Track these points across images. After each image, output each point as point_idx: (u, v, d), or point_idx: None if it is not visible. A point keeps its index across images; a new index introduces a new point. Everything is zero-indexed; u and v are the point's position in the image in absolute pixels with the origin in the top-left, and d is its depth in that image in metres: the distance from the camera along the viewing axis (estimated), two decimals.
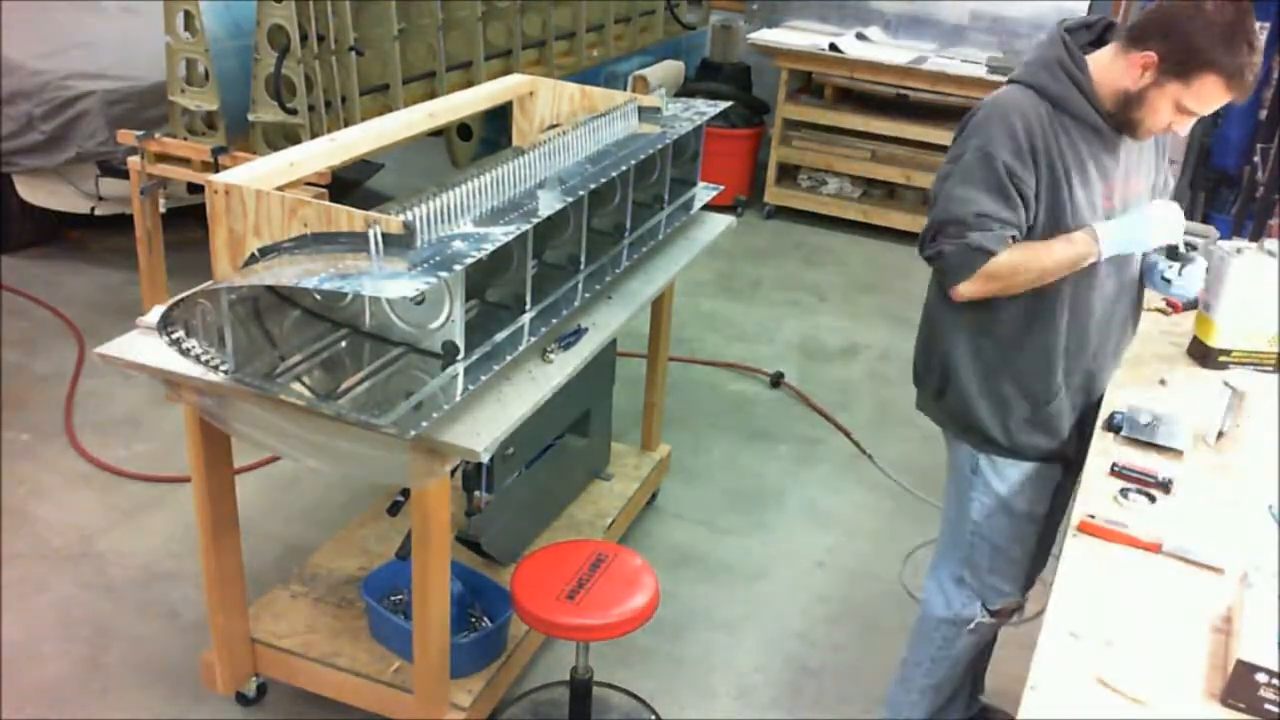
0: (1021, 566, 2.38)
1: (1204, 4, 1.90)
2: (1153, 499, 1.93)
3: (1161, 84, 1.95)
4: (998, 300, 2.10)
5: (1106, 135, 2.07)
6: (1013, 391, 2.19)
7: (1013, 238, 2.03)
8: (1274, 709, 1.46)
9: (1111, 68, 2.03)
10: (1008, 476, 2.27)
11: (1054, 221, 2.05)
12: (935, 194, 2.12)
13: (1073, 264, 2.06)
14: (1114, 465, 2.01)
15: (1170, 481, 1.95)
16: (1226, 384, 2.23)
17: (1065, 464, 2.30)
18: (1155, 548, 1.80)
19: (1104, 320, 2.20)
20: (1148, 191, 2.21)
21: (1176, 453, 2.07)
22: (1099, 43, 2.11)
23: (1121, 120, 2.04)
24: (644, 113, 2.93)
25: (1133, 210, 2.11)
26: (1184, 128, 2.02)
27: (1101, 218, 2.08)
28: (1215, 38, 1.88)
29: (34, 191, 4.66)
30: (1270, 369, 2.40)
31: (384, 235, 1.98)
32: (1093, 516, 1.87)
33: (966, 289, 2.06)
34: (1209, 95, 1.94)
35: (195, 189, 4.14)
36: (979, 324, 2.18)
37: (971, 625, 2.42)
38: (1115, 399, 2.27)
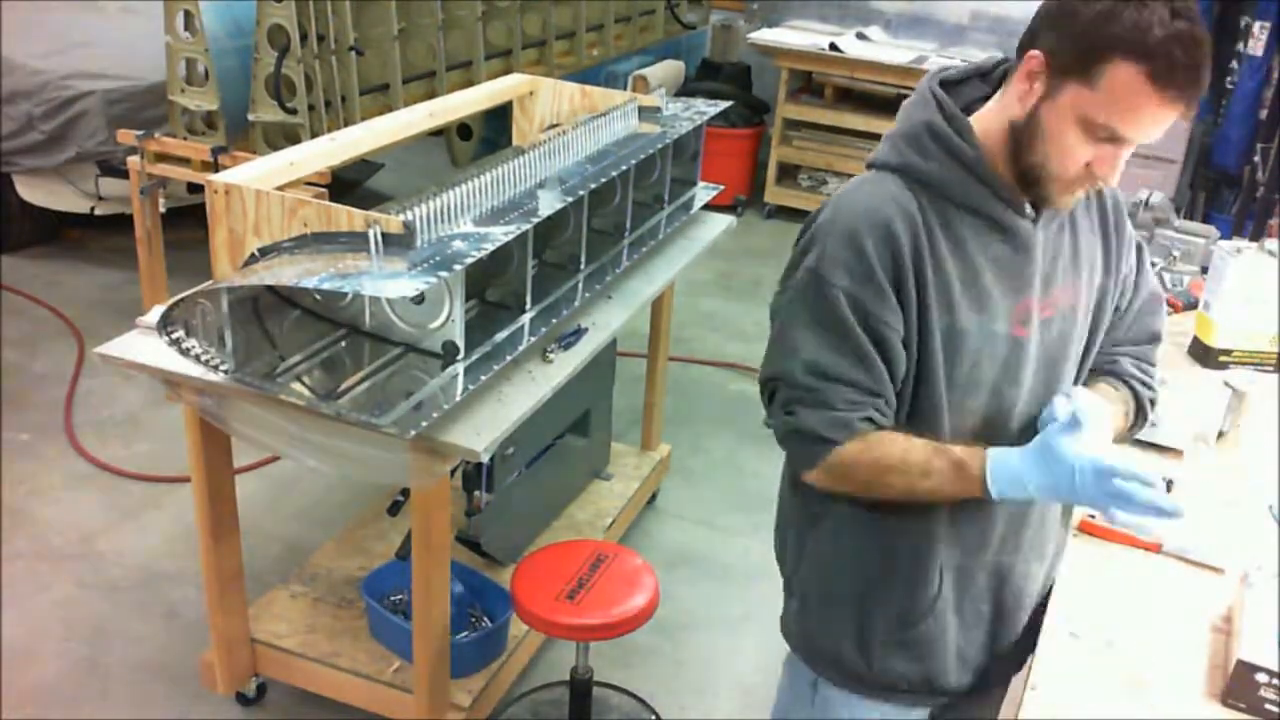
0: None
1: None
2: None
3: (1055, 93, 1.32)
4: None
5: (1011, 227, 1.44)
6: (877, 608, 1.57)
7: (873, 416, 1.42)
8: (1275, 709, 1.46)
9: (999, 109, 1.41)
10: (851, 711, 1.64)
11: (927, 370, 1.43)
12: (771, 321, 1.53)
13: (955, 491, 1.43)
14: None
15: (1170, 482, 1.94)
16: (1227, 384, 2.21)
17: (951, 695, 1.65)
18: (1155, 548, 1.80)
19: (1018, 509, 1.57)
20: (1086, 307, 1.55)
21: (1176, 453, 2.07)
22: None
23: (1023, 175, 1.40)
24: (644, 112, 2.93)
25: (1037, 442, 1.40)
26: (1110, 170, 1.35)
27: (1005, 349, 1.46)
28: (1114, 6, 1.27)
29: (34, 191, 4.66)
30: (1271, 369, 2.39)
31: (384, 235, 1.98)
32: (1093, 516, 1.86)
33: (814, 480, 1.48)
34: (1126, 96, 1.28)
35: (195, 189, 4.13)
36: (847, 519, 1.55)
37: None
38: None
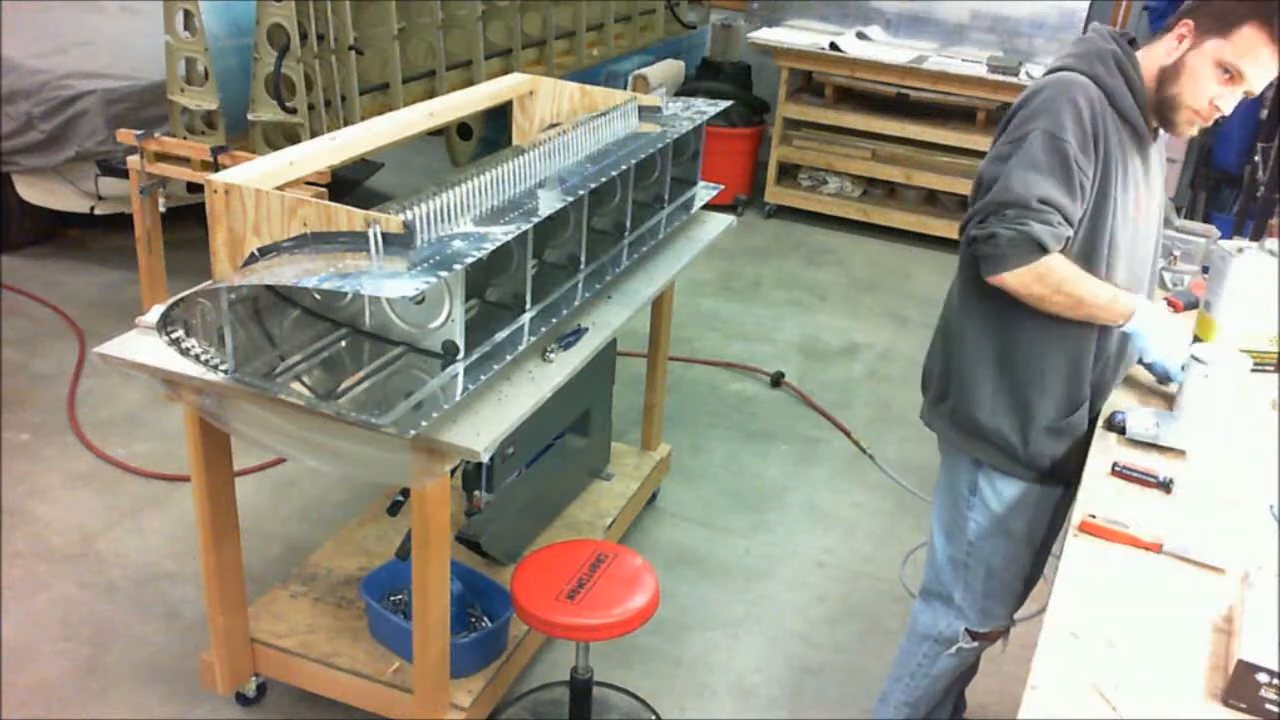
0: (1014, 591, 2.29)
1: None
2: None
3: (1200, 44, 1.88)
4: (1025, 306, 1.99)
5: (1145, 141, 2.01)
6: (1038, 399, 2.07)
7: (1069, 236, 1.93)
8: (1275, 709, 1.46)
9: (1151, 55, 1.97)
10: (1006, 497, 2.16)
11: (1095, 222, 1.96)
12: (988, 177, 1.96)
13: (1107, 317, 1.99)
14: (1115, 465, 2.00)
15: (1171, 481, 1.95)
16: (1195, 357, 2.14)
17: (1066, 482, 2.18)
18: (1156, 547, 1.79)
19: (1121, 335, 2.11)
20: (1159, 208, 2.15)
21: (1178, 452, 2.07)
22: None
23: (1161, 103, 1.96)
24: (644, 112, 2.93)
25: (1172, 318, 2.08)
26: (1230, 102, 1.91)
27: (1129, 227, 2.01)
28: None
29: (33, 191, 4.66)
30: (1271, 369, 2.39)
31: (384, 235, 1.98)
32: (1094, 516, 1.86)
33: (1012, 279, 1.92)
34: (1253, 51, 1.84)
35: (195, 188, 4.14)
36: (1007, 329, 2.06)
37: (953, 649, 2.34)
38: (1115, 398, 2.26)
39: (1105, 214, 1.96)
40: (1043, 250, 1.88)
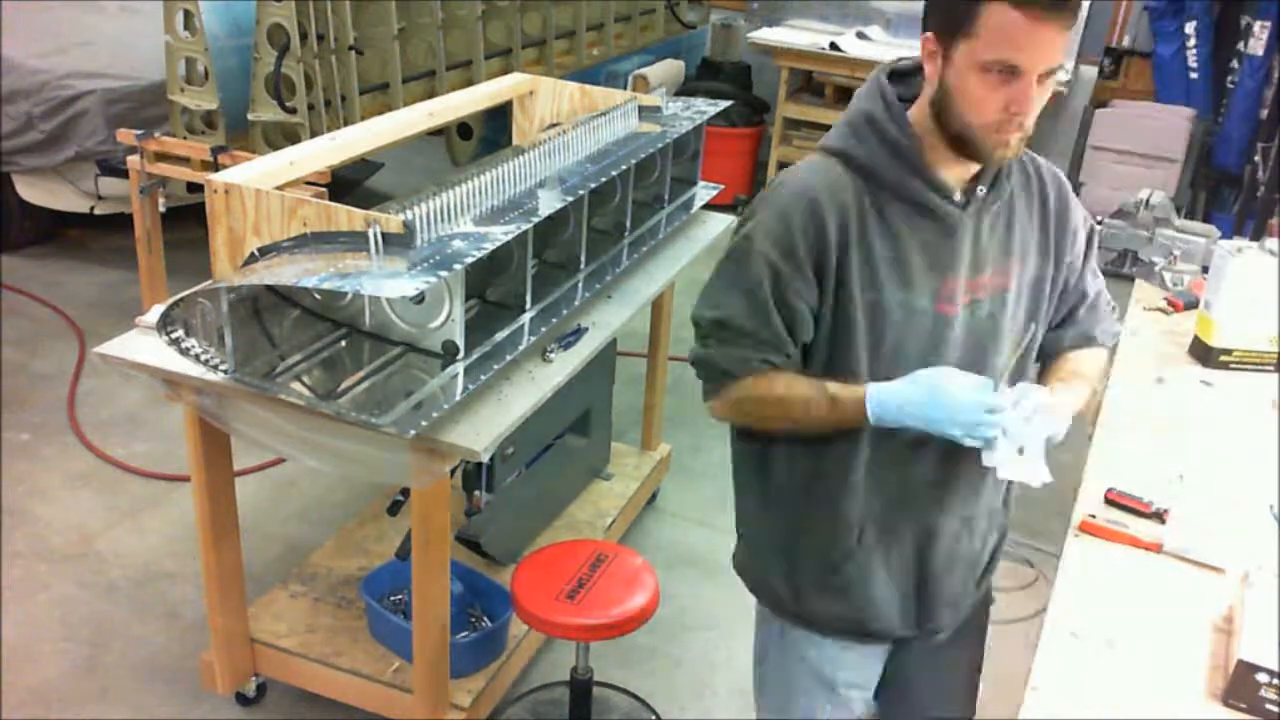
0: None
1: None
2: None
3: (951, 58, 1.44)
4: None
5: (944, 214, 1.54)
6: (798, 545, 1.69)
7: (770, 359, 1.57)
8: (1275, 709, 1.46)
9: (924, 97, 1.53)
10: (800, 650, 1.76)
11: (849, 337, 1.55)
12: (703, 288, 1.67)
13: (837, 425, 1.57)
14: (1109, 490, 1.93)
15: (1164, 512, 1.88)
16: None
17: (903, 641, 1.77)
18: (1155, 547, 1.79)
19: (939, 466, 1.63)
20: (1018, 291, 1.63)
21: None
22: None
23: (956, 141, 1.49)
24: (644, 112, 2.93)
25: (925, 376, 1.51)
26: (1023, 103, 1.43)
27: (929, 328, 1.56)
28: None
29: (33, 191, 4.66)
30: (1271, 369, 2.39)
31: (384, 234, 1.98)
32: (1093, 516, 1.86)
33: (719, 414, 1.68)
34: (1001, 29, 1.39)
35: (195, 188, 4.13)
36: (763, 455, 1.70)
37: None
38: (1115, 397, 2.26)
39: (853, 320, 1.54)
40: (725, 375, 1.62)
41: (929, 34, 1.47)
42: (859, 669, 1.78)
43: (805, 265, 1.53)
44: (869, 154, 1.55)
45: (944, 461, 1.62)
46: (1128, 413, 2.23)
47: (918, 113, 1.54)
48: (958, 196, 1.56)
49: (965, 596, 1.78)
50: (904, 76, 1.60)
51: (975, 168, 1.55)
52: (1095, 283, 1.77)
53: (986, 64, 1.41)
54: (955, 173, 1.55)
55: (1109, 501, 1.91)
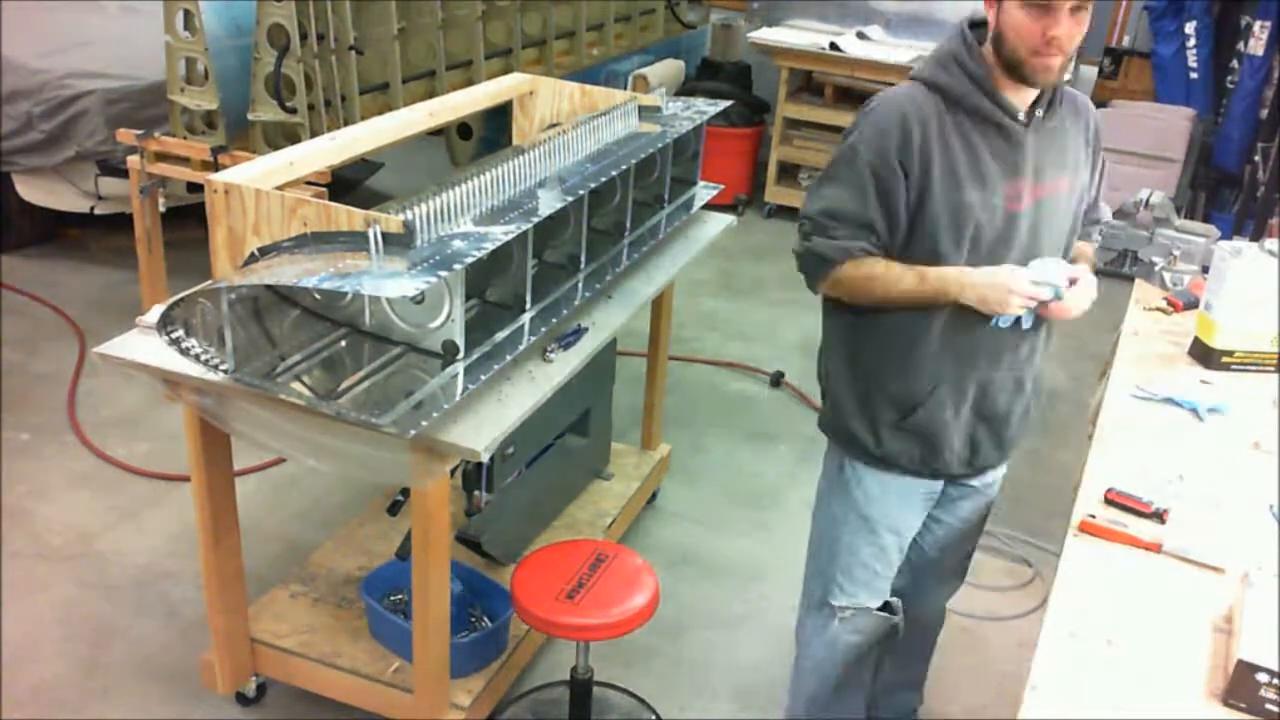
0: (881, 578, 2.27)
1: None
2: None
3: (1003, 3, 1.85)
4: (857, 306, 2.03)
5: (1009, 129, 1.93)
6: (880, 396, 2.08)
7: (866, 247, 1.94)
8: (1275, 709, 1.46)
9: (989, 35, 1.93)
10: (867, 487, 2.18)
11: (934, 228, 1.93)
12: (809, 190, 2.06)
13: (921, 302, 1.95)
14: (1109, 489, 1.94)
15: (1165, 512, 1.88)
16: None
17: (950, 478, 2.20)
18: (1155, 547, 1.79)
19: (996, 335, 2.03)
20: (1070, 192, 2.04)
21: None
22: None
23: (1009, 68, 1.88)
24: (644, 112, 2.93)
25: (991, 268, 1.93)
26: (1059, 30, 1.80)
27: (1001, 221, 1.94)
28: None
29: (33, 190, 4.66)
30: (1271, 369, 2.39)
31: (384, 234, 1.98)
32: (1093, 516, 1.86)
33: (823, 289, 2.04)
34: None
35: (195, 188, 4.13)
36: (854, 326, 2.10)
37: (826, 622, 2.31)
38: (1113, 399, 2.26)
39: (937, 214, 1.92)
40: (828, 263, 1.96)
41: None
42: (899, 513, 2.20)
43: (897, 167, 1.90)
44: (950, 81, 1.93)
45: (1004, 333, 2.02)
46: (1128, 413, 2.23)
47: (987, 50, 1.92)
48: (1021, 116, 1.94)
49: (1008, 442, 2.18)
50: (978, 26, 1.98)
51: (1033, 94, 1.94)
52: (1099, 202, 2.23)
53: (1030, 5, 1.80)
54: (1019, 97, 1.94)
55: (1109, 501, 1.91)
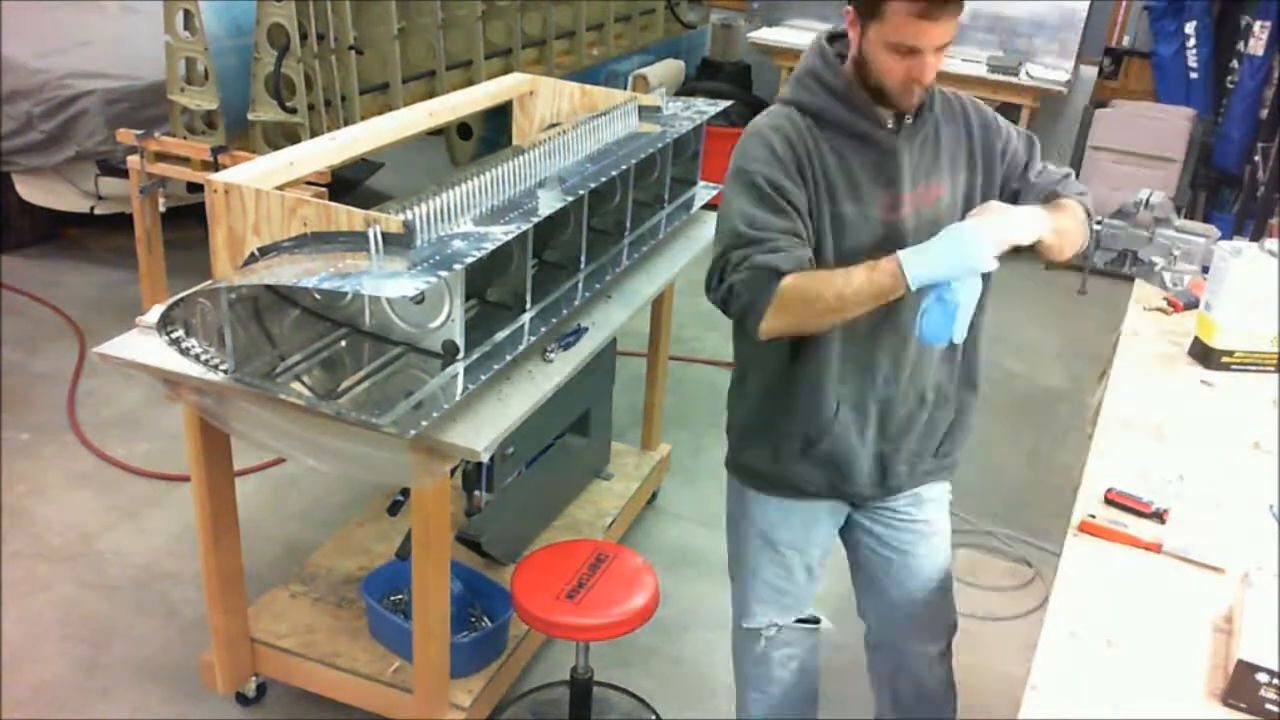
0: (790, 595, 2.22)
1: None
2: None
3: (866, 33, 1.79)
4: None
5: (878, 140, 1.87)
6: (785, 424, 2.00)
7: (798, 253, 1.80)
8: (1275, 709, 1.46)
9: (853, 51, 1.86)
10: (769, 511, 2.13)
11: (821, 244, 1.86)
12: (716, 234, 1.92)
13: (877, 295, 1.76)
14: (1109, 489, 1.93)
15: (1165, 512, 1.88)
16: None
17: (862, 500, 2.12)
18: (1155, 547, 1.80)
19: (894, 339, 1.94)
20: (953, 199, 1.94)
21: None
22: None
23: (871, 91, 1.84)
24: (644, 112, 2.93)
25: (941, 231, 1.77)
26: (921, 71, 1.77)
27: (879, 234, 1.86)
28: None
29: (33, 190, 4.66)
30: (1271, 369, 2.39)
31: (384, 234, 1.98)
32: (1093, 516, 1.86)
33: (769, 325, 1.80)
34: (901, 22, 1.73)
35: (195, 188, 4.13)
36: (753, 355, 2.03)
37: (754, 645, 2.28)
38: (1114, 398, 2.26)
39: (828, 234, 1.86)
40: (775, 274, 1.78)
41: (849, 8, 1.82)
42: (799, 530, 2.14)
43: (794, 176, 1.84)
44: (813, 99, 1.89)
45: (898, 346, 1.95)
46: (1128, 413, 2.23)
47: (850, 65, 1.88)
48: (890, 125, 1.88)
49: (921, 459, 2.09)
50: (837, 37, 1.95)
51: None
52: (1056, 173, 2.04)
53: (891, 45, 1.77)
54: (884, 108, 1.87)
55: (1109, 501, 1.91)
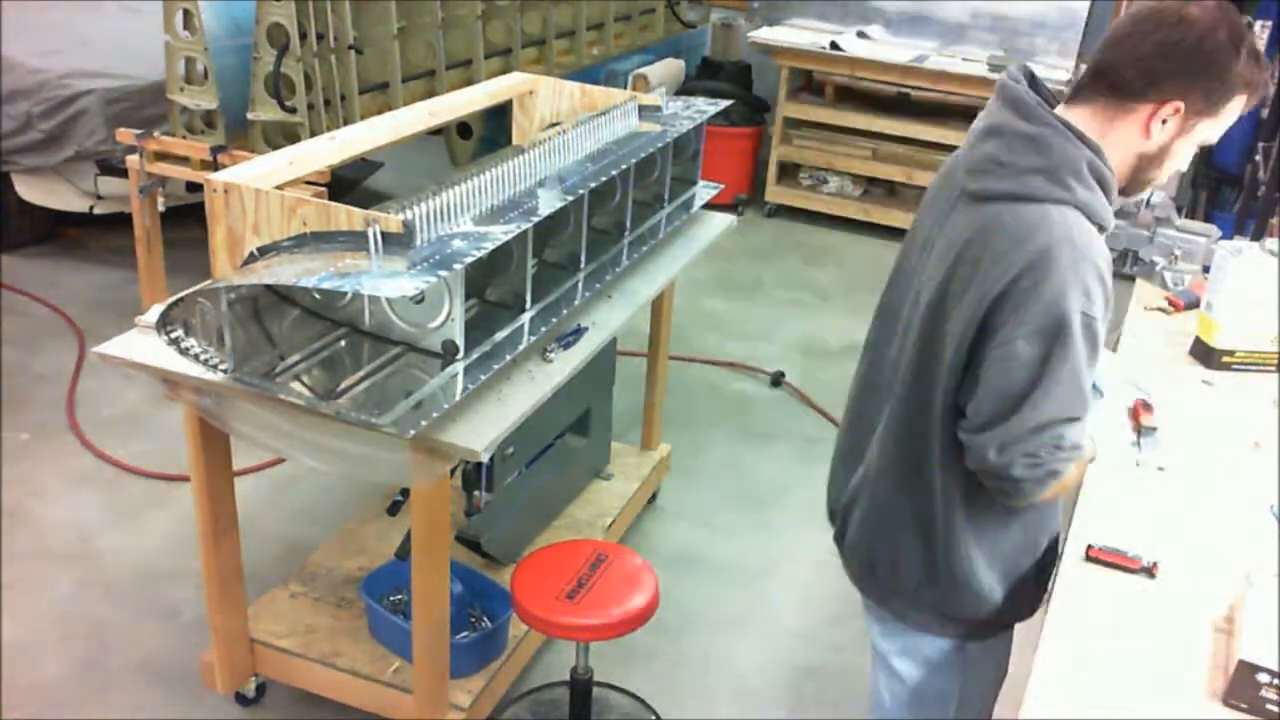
0: None
1: (1187, 10, 1.53)
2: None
3: (1190, 128, 1.57)
4: None
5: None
6: (1021, 551, 1.74)
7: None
8: (1275, 709, 1.46)
9: (1116, 139, 1.59)
10: (976, 660, 1.84)
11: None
12: (1002, 380, 1.52)
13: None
14: (1089, 546, 1.76)
15: (1155, 565, 1.73)
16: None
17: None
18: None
19: None
20: None
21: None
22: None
23: (1137, 183, 1.63)
24: (644, 111, 2.93)
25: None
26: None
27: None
28: (1231, 51, 1.53)
29: (33, 190, 4.66)
30: (1272, 369, 2.39)
31: (383, 234, 1.98)
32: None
33: (1037, 496, 1.61)
34: (1233, 115, 1.59)
35: (194, 188, 4.13)
36: (987, 506, 1.68)
37: None
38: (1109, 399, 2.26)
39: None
40: (1065, 472, 1.58)
41: (1177, 103, 1.54)
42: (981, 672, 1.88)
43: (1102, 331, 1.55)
44: (1099, 202, 1.56)
45: None
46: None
47: (1134, 159, 1.61)
48: None
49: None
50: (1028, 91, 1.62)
51: None
52: None
53: (1204, 140, 1.60)
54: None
55: (1090, 558, 1.74)
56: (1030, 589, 1.78)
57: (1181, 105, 1.54)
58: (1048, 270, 1.49)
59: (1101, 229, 1.56)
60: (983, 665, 1.87)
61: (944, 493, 1.67)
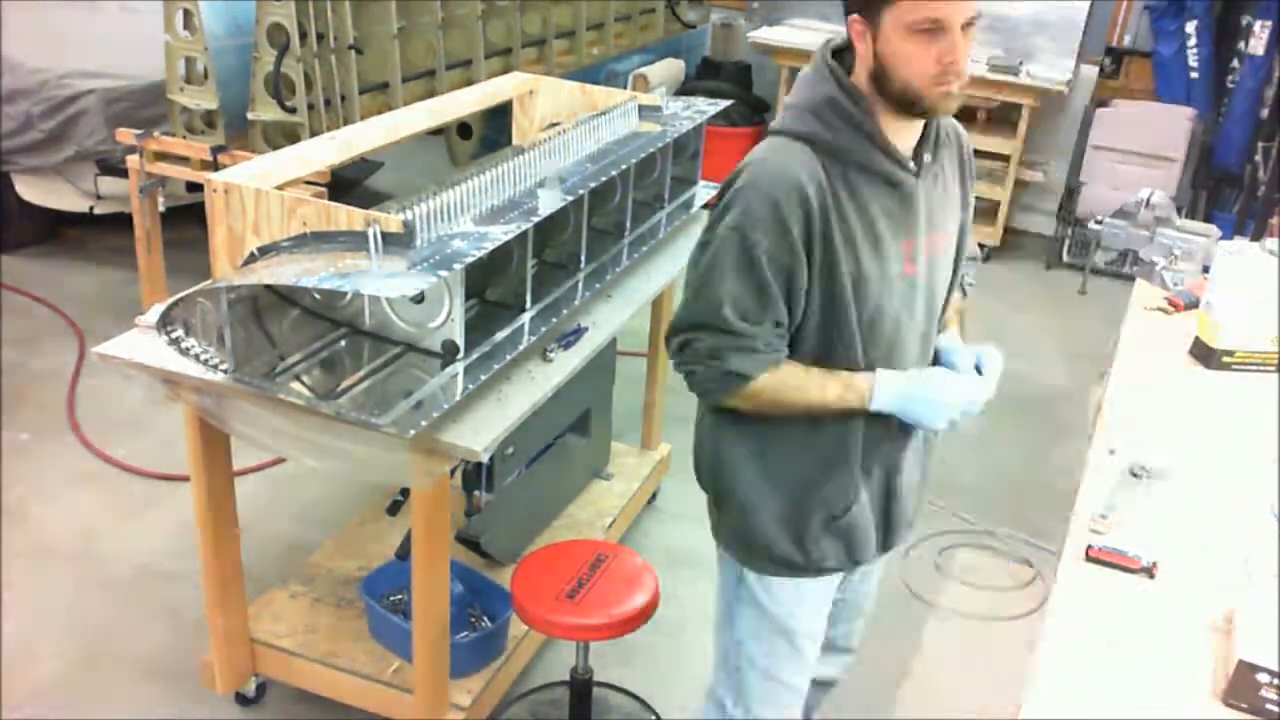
0: (798, 691, 2.01)
1: None
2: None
3: (879, 29, 1.55)
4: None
5: (899, 181, 1.66)
6: (810, 504, 1.80)
7: (779, 353, 1.68)
8: (1275, 709, 1.46)
9: (861, 70, 1.62)
10: (782, 597, 1.89)
11: (839, 308, 1.66)
12: (689, 276, 1.71)
13: (844, 412, 1.72)
14: (1089, 547, 1.78)
15: (1154, 565, 1.75)
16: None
17: (856, 562, 1.92)
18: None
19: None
20: (948, 247, 1.80)
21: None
22: None
23: (900, 101, 1.59)
24: (644, 111, 2.93)
25: (922, 378, 1.72)
26: (955, 55, 1.54)
27: (900, 291, 1.70)
28: None
29: (33, 190, 4.66)
30: (1272, 369, 2.39)
31: (383, 234, 1.98)
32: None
33: (729, 403, 1.72)
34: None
35: (194, 188, 4.13)
36: (766, 434, 1.79)
37: None
38: (1116, 397, 2.26)
39: (847, 296, 1.65)
40: (742, 379, 1.66)
41: (855, 15, 1.58)
42: (818, 616, 1.97)
43: (799, 248, 1.61)
44: (838, 137, 1.62)
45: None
46: (1128, 413, 2.23)
47: (868, 84, 1.62)
48: (911, 165, 1.68)
49: (915, 513, 1.99)
50: (840, 52, 1.68)
51: (917, 136, 1.68)
52: (971, 246, 1.92)
53: (912, 24, 1.53)
54: (903, 142, 1.66)
55: (1090, 559, 1.77)
56: (816, 535, 1.82)
57: (856, 15, 1.59)
58: (735, 179, 1.66)
59: (843, 159, 1.62)
60: (754, 607, 1.93)
61: (717, 421, 1.84)
